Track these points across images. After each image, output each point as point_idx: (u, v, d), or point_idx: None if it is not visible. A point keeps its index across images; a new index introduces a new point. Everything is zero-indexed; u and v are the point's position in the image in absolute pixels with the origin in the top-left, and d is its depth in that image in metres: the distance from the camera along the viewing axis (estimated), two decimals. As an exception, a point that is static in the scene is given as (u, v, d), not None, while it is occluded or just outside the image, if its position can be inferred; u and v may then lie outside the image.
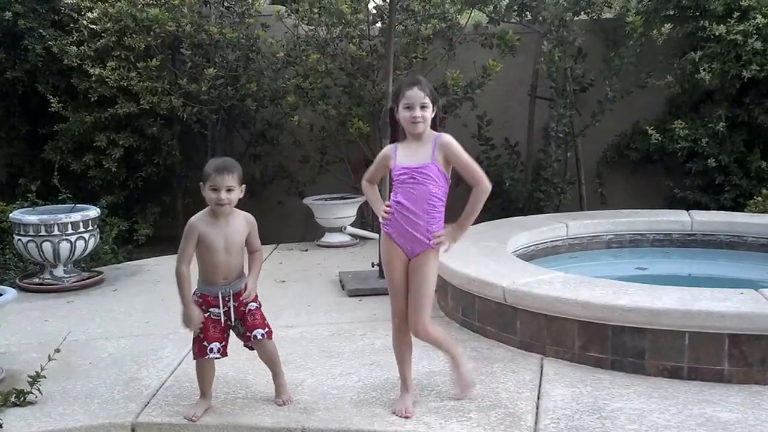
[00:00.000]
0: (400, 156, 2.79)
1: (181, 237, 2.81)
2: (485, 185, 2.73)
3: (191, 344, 2.87)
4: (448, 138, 2.77)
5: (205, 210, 2.84)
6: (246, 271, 2.90)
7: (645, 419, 2.72)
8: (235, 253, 2.82)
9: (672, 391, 2.96)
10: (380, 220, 2.83)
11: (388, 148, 2.86)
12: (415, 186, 2.73)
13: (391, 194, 2.82)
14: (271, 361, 2.94)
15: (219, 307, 2.82)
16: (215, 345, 2.80)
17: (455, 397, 2.93)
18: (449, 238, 2.76)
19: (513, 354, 3.39)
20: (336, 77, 6.18)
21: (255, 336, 2.84)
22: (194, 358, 2.87)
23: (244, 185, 2.83)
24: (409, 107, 2.72)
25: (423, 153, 2.75)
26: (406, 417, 2.78)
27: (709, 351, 3.03)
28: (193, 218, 2.83)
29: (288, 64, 6.21)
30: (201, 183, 2.79)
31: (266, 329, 2.87)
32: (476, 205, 2.75)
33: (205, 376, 2.88)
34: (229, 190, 2.75)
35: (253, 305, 2.88)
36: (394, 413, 2.82)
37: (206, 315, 2.83)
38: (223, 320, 2.83)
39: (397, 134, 2.85)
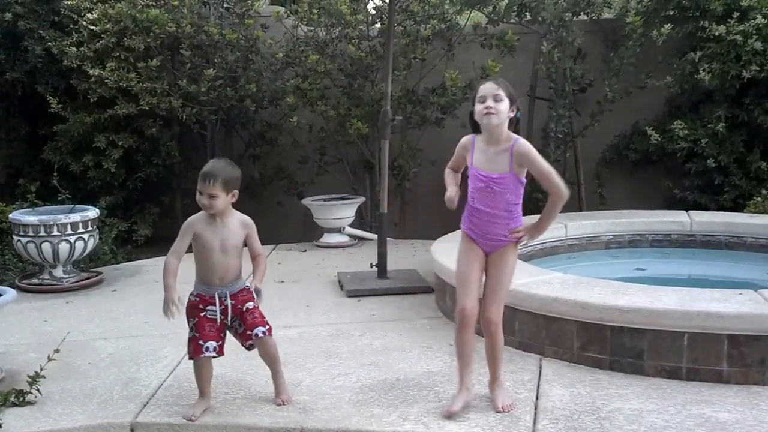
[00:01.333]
0: (477, 156, 2.76)
1: None
2: (563, 194, 2.72)
3: (189, 344, 2.85)
4: (525, 146, 2.70)
5: (202, 211, 2.85)
6: (244, 273, 2.89)
7: (643, 420, 2.72)
8: (231, 255, 2.82)
9: (671, 391, 2.96)
10: (462, 228, 2.84)
11: (466, 139, 2.83)
12: (493, 195, 2.73)
13: (469, 197, 2.82)
14: (272, 359, 2.93)
15: (216, 306, 2.82)
16: (211, 344, 2.80)
17: (499, 410, 2.82)
18: (527, 233, 2.80)
19: (511, 354, 3.38)
20: (335, 78, 6.18)
21: (256, 334, 2.82)
22: (190, 358, 2.85)
23: (235, 191, 2.81)
24: (482, 100, 2.69)
25: (501, 161, 2.71)
26: (449, 414, 2.75)
27: (708, 351, 3.03)
28: (191, 217, 2.86)
29: (287, 65, 6.21)
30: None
31: (267, 326, 2.86)
32: (553, 212, 2.78)
33: (202, 375, 2.87)
34: (211, 196, 2.76)
35: (250, 304, 2.87)
36: (442, 415, 2.78)
37: (202, 314, 2.82)
38: (219, 319, 2.83)
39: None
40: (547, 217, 2.79)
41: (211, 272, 2.82)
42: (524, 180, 2.77)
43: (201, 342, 2.79)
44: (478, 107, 2.69)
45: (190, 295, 2.85)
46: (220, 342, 2.84)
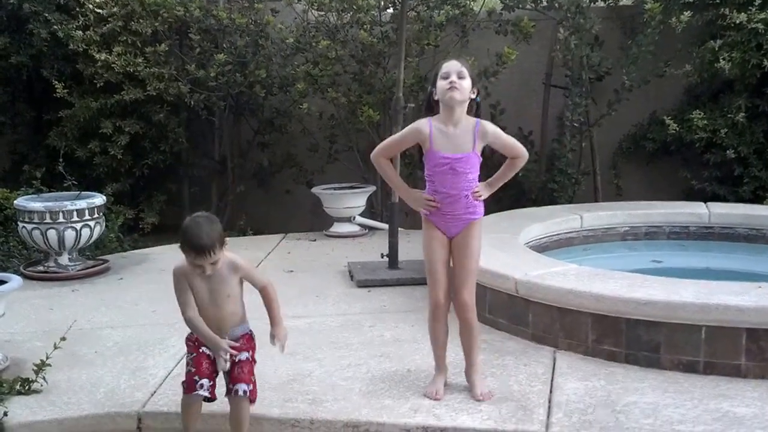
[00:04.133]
0: (436, 139, 2.73)
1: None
2: (526, 156, 2.84)
3: (184, 379, 2.63)
4: (490, 126, 2.76)
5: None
6: (245, 315, 2.69)
7: (660, 413, 2.67)
8: (224, 304, 2.60)
9: (687, 385, 2.92)
10: (422, 212, 2.82)
11: (422, 123, 2.76)
12: (455, 176, 2.73)
13: (427, 181, 2.79)
14: (238, 424, 2.61)
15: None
16: (206, 381, 2.57)
17: (478, 398, 2.84)
18: (484, 191, 2.81)
19: (525, 347, 3.34)
20: (346, 64, 6.10)
21: (236, 390, 2.56)
22: (186, 392, 2.61)
23: (226, 240, 2.57)
24: (445, 76, 2.68)
25: (463, 141, 2.72)
26: (436, 399, 2.80)
27: (725, 345, 2.98)
28: (179, 268, 2.58)
29: (297, 51, 6.13)
30: (180, 245, 2.52)
31: (251, 386, 2.58)
32: (509, 174, 2.87)
33: (190, 414, 2.63)
34: (213, 264, 2.52)
35: (244, 355, 2.62)
36: (424, 395, 2.84)
37: (201, 350, 2.61)
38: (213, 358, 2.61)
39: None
40: (502, 178, 2.87)
41: (208, 323, 2.60)
42: (481, 157, 2.80)
43: (196, 377, 2.56)
44: (442, 83, 2.68)
45: (191, 334, 2.65)
46: (212, 383, 2.61)
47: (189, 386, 2.59)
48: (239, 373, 2.60)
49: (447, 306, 2.89)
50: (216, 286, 2.58)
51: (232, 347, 2.61)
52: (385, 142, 2.91)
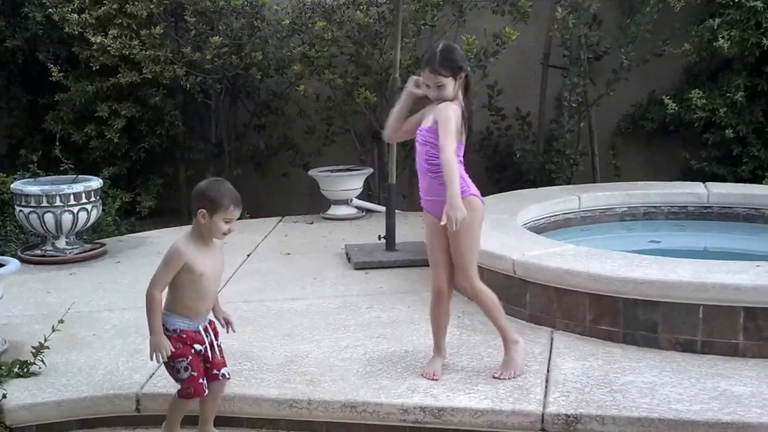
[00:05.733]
0: (425, 115, 2.82)
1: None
2: (445, 154, 2.63)
3: (184, 386, 2.55)
4: (443, 109, 2.70)
5: (190, 234, 2.54)
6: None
7: (657, 393, 2.68)
8: (219, 281, 2.63)
9: (685, 364, 2.92)
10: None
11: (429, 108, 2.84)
12: (420, 150, 2.79)
13: None
14: (217, 405, 2.66)
15: (203, 341, 2.57)
16: (205, 380, 2.57)
17: (494, 375, 2.84)
18: (451, 215, 2.62)
19: (522, 327, 3.33)
20: (342, 45, 6.04)
21: (224, 374, 2.59)
22: (192, 397, 2.55)
23: None
24: (426, 87, 2.76)
25: (430, 116, 2.78)
26: (434, 380, 2.81)
27: (723, 324, 2.98)
28: (180, 244, 2.51)
29: (293, 32, 6.07)
30: (202, 210, 2.47)
31: (227, 368, 2.63)
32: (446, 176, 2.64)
33: (185, 412, 2.62)
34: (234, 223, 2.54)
35: (219, 339, 2.65)
36: (422, 375, 2.85)
37: (192, 350, 2.54)
38: (204, 354, 2.58)
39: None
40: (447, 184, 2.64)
41: (204, 302, 2.56)
42: (461, 141, 2.75)
43: (201, 380, 2.54)
44: (426, 91, 2.76)
45: (171, 332, 2.52)
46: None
47: (197, 391, 2.55)
48: (221, 356, 2.62)
49: (449, 292, 2.90)
50: (218, 262, 2.59)
51: (215, 330, 2.62)
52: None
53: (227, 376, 2.62)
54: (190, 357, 2.53)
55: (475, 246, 2.83)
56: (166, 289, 2.55)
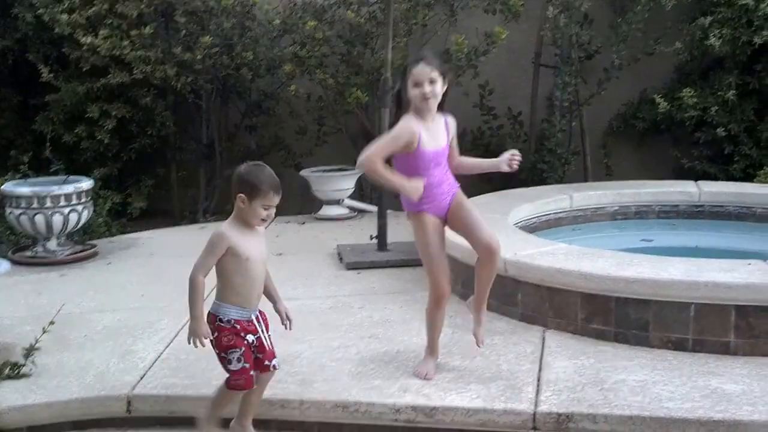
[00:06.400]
0: (423, 137, 2.74)
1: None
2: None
3: (234, 377, 2.51)
4: (454, 124, 2.87)
5: (232, 219, 2.51)
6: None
7: (648, 391, 2.69)
8: (264, 266, 2.56)
9: (676, 363, 2.93)
10: (413, 191, 2.75)
11: (413, 122, 2.72)
12: (437, 167, 2.79)
13: (424, 176, 2.75)
14: (260, 397, 2.64)
15: (256, 331, 2.53)
16: (254, 373, 2.55)
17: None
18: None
19: (514, 326, 3.35)
20: (334, 45, 6.04)
21: (274, 366, 2.58)
22: (240, 389, 2.52)
23: None
24: (418, 84, 2.70)
25: (441, 135, 2.80)
26: (427, 379, 2.83)
27: (714, 323, 2.99)
28: (224, 228, 2.48)
29: (284, 32, 6.07)
30: (241, 194, 2.45)
31: (277, 359, 2.62)
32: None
33: (254, 399, 2.61)
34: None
35: (268, 331, 2.61)
36: (415, 375, 2.86)
37: (245, 342, 2.50)
38: (256, 344, 2.54)
39: (401, 114, 2.79)
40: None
41: (254, 288, 2.51)
42: None
43: (252, 372, 2.50)
44: (415, 92, 2.71)
45: (224, 323, 2.48)
46: None
47: (247, 383, 2.51)
48: (271, 347, 2.58)
49: (449, 294, 2.90)
50: (263, 246, 2.53)
51: (265, 322, 2.58)
52: (378, 146, 2.70)
53: (277, 366, 2.59)
54: (243, 348, 2.49)
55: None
56: (217, 281, 2.50)
